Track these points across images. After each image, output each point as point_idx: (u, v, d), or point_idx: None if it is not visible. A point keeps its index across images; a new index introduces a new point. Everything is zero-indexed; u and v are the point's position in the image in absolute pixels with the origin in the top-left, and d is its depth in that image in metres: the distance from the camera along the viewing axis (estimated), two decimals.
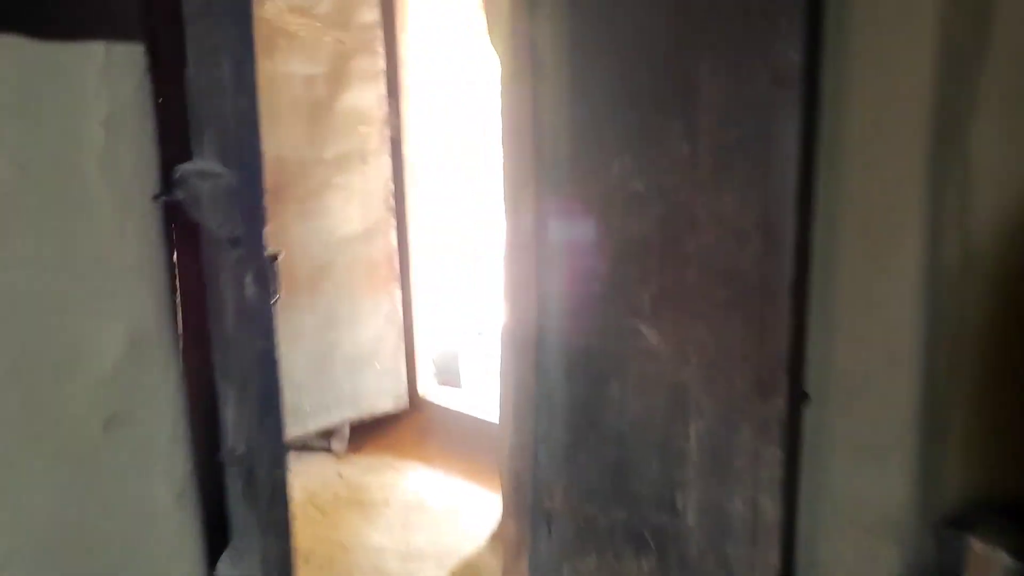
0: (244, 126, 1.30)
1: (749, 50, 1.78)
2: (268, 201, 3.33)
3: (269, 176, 3.61)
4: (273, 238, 3.61)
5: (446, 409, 3.97)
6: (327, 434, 3.82)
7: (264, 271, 1.39)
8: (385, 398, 3.89)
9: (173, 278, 1.57)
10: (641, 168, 1.96)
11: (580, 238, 2.14)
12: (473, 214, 4.35)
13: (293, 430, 3.65)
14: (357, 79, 3.63)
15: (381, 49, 3.69)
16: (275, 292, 1.45)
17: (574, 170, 2.11)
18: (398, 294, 3.86)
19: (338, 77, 3.59)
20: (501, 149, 2.38)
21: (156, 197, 1.50)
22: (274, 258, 1.45)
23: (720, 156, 1.84)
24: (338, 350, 3.72)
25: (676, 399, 2.02)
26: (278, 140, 3.48)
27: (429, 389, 4.10)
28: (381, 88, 3.71)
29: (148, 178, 1.50)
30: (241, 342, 1.48)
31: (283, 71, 3.46)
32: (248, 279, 1.38)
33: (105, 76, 1.39)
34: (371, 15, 3.64)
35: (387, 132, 3.74)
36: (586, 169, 2.08)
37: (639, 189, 1.97)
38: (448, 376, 4.22)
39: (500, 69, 2.31)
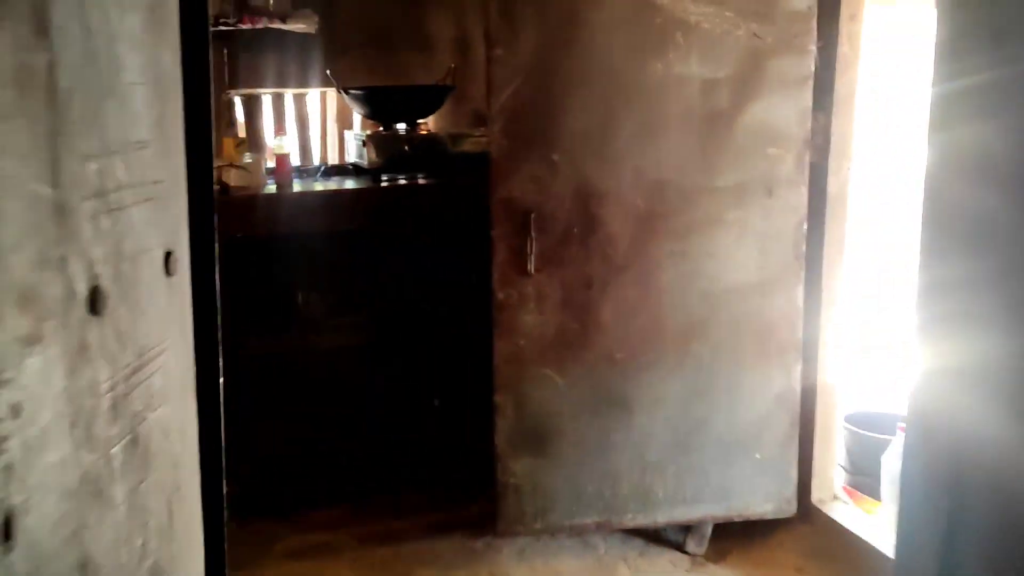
0: None
1: None
2: (636, 233, 2.62)
3: (642, 202, 2.96)
4: (639, 281, 2.95)
5: (847, 527, 2.95)
6: (684, 528, 3.05)
7: None
8: (764, 498, 2.99)
9: None
10: None
11: None
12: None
13: (640, 518, 2.94)
14: (774, 85, 2.78)
15: (813, 47, 2.78)
16: None
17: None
18: (799, 368, 2.93)
19: (747, 82, 2.77)
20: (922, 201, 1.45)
21: None
22: None
23: None
24: (708, 429, 2.92)
25: None
26: (660, 159, 2.77)
27: (828, 496, 3.11)
28: (806, 98, 2.80)
29: None
30: None
31: (676, 73, 2.74)
32: None
33: None
34: (803, 1, 2.76)
35: (807, 157, 2.83)
36: None
37: None
38: (865, 481, 3.18)
39: (931, 85, 1.38)
